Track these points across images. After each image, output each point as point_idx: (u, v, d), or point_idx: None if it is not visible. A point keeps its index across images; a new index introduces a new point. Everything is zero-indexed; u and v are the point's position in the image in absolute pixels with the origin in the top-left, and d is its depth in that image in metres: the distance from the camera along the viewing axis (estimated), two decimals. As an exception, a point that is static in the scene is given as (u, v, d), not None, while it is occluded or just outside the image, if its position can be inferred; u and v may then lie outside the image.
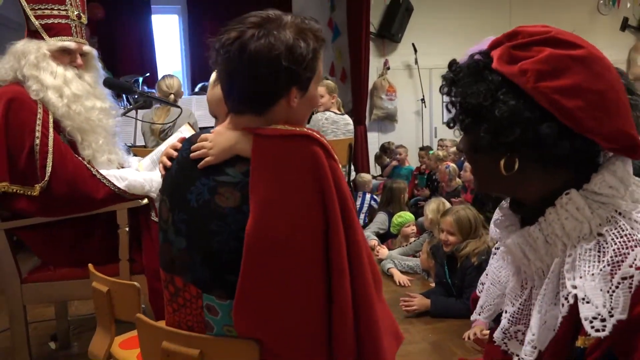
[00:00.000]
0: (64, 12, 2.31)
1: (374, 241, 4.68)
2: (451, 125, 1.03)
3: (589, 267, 0.91)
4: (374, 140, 8.14)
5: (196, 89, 6.80)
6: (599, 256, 0.91)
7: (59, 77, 2.27)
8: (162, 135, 4.09)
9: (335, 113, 4.98)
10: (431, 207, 4.15)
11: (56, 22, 2.29)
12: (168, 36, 8.14)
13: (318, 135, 1.22)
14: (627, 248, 0.88)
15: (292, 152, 1.18)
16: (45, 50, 2.27)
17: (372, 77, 8.17)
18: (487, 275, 1.22)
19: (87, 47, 2.41)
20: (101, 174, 2.26)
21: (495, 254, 1.20)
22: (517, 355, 1.06)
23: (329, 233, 1.19)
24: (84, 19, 2.41)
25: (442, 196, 5.04)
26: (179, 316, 1.34)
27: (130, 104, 4.92)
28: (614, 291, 0.86)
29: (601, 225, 0.92)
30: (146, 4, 7.53)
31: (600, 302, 0.87)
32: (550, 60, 0.91)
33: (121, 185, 2.27)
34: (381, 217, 5.07)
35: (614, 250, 0.89)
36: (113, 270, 2.30)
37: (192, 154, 1.29)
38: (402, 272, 4.00)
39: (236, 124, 1.28)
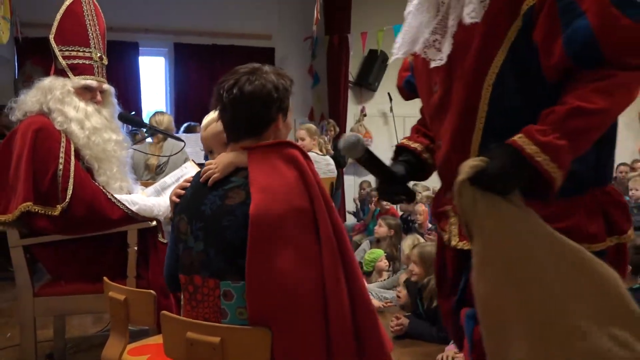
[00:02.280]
0: (88, 54, 2.62)
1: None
2: None
3: None
4: (350, 183, 8.47)
5: (182, 128, 7.04)
6: None
7: (81, 111, 2.55)
8: (158, 170, 4.32)
9: (317, 154, 5.30)
10: (407, 243, 4.44)
11: (81, 62, 2.59)
12: (154, 77, 8.44)
13: (295, 142, 1.66)
14: None
15: (278, 153, 1.59)
16: (70, 87, 2.56)
17: (350, 123, 8.58)
18: (402, 35, 1.55)
19: (106, 86, 2.70)
20: (115, 198, 2.51)
21: (410, 12, 1.54)
22: (434, 59, 1.42)
23: (315, 211, 1.54)
24: (105, 60, 2.71)
25: (419, 233, 5.35)
26: (196, 311, 1.61)
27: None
28: None
29: None
30: (134, 46, 7.85)
31: None
32: None
33: (133, 208, 2.52)
34: (364, 244, 5.36)
35: None
36: (120, 287, 2.51)
37: (202, 178, 1.64)
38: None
39: (235, 148, 1.65)
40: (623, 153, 9.62)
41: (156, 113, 4.82)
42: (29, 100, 2.54)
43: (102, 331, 3.53)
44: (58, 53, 2.58)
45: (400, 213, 6.90)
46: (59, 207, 2.40)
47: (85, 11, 2.65)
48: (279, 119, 1.64)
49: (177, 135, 4.01)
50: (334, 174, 5.33)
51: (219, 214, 1.56)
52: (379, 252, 5.04)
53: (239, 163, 1.60)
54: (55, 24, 2.60)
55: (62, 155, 2.44)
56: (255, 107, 1.58)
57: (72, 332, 3.65)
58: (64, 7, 2.63)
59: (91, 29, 2.65)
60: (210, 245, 1.57)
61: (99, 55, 2.67)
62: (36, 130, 2.44)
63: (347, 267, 1.57)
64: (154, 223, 2.59)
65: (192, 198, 1.67)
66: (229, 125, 1.65)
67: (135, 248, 2.54)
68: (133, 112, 7.23)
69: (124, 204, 2.51)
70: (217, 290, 1.56)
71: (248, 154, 1.59)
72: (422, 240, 4.48)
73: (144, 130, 3.30)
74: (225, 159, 1.63)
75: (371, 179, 8.50)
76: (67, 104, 2.53)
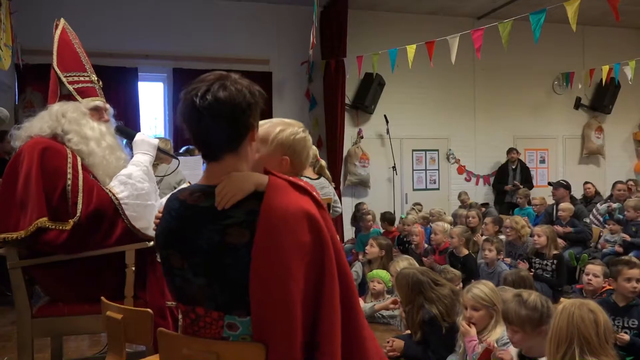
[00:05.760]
0: (87, 78, 2.74)
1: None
2: None
3: None
4: (348, 205, 8.50)
5: (180, 151, 7.09)
6: None
7: (96, 130, 2.66)
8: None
9: (310, 178, 5.28)
10: (401, 265, 4.43)
11: (85, 86, 2.69)
12: (153, 102, 8.54)
13: (309, 190, 1.55)
14: None
15: (293, 201, 1.50)
16: (83, 109, 2.66)
17: (347, 145, 8.67)
18: None
19: (107, 105, 2.79)
20: (122, 209, 2.53)
21: None
22: None
23: (324, 262, 1.48)
24: (101, 83, 2.80)
25: (415, 256, 5.37)
26: (198, 336, 1.57)
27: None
28: None
29: None
30: (134, 71, 7.96)
31: None
32: None
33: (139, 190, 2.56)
34: (356, 266, 5.36)
35: None
36: (117, 307, 2.53)
37: (221, 205, 1.49)
38: (377, 322, 4.24)
39: (218, 170, 1.54)
40: (618, 172, 9.70)
41: (156, 138, 4.87)
42: (37, 126, 2.60)
43: (100, 353, 3.53)
44: (64, 79, 2.68)
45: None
46: (71, 222, 2.44)
47: (71, 39, 2.77)
48: (254, 129, 1.56)
49: (173, 154, 4.05)
50: (330, 196, 5.34)
51: (220, 251, 1.47)
52: (383, 274, 4.98)
53: (259, 185, 1.51)
54: (54, 53, 2.71)
55: (69, 171, 2.49)
56: (235, 112, 1.48)
57: (69, 354, 3.64)
58: (56, 38, 2.73)
59: (81, 54, 2.77)
60: (213, 280, 1.49)
61: (95, 78, 2.77)
62: (43, 149, 2.50)
63: (348, 307, 1.55)
64: (152, 243, 2.61)
65: (179, 230, 1.54)
66: (205, 137, 1.52)
67: (133, 268, 2.57)
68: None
69: (126, 216, 2.55)
70: (221, 321, 1.51)
71: (270, 178, 1.52)
72: (413, 262, 4.46)
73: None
74: (243, 182, 1.51)
75: (368, 200, 8.55)
76: (83, 125, 2.62)
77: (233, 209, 1.48)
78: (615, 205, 6.79)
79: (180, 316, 1.65)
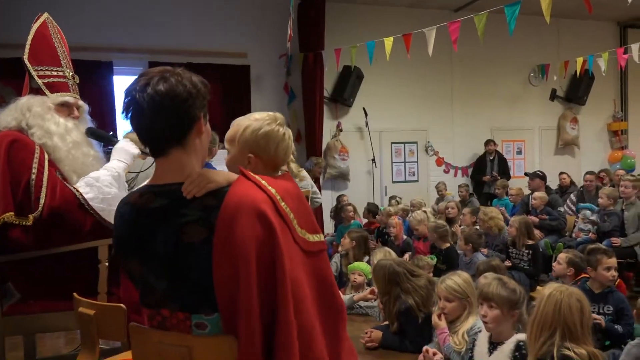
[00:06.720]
0: (61, 73, 2.71)
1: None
2: None
3: None
4: (327, 198, 8.51)
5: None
6: None
7: (61, 126, 2.62)
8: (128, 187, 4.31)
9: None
10: (378, 257, 4.45)
11: (56, 80, 2.67)
12: (129, 96, 8.44)
13: (273, 197, 1.47)
14: None
15: (249, 195, 1.46)
16: (49, 104, 2.63)
17: (326, 138, 8.66)
18: None
19: (81, 102, 2.77)
20: (88, 204, 2.50)
21: None
22: None
23: (275, 263, 1.42)
24: (77, 78, 2.77)
25: (394, 247, 5.40)
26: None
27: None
28: None
29: None
30: (109, 65, 7.84)
31: None
32: None
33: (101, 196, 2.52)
34: (335, 258, 5.39)
35: None
36: (91, 303, 2.50)
37: (192, 193, 1.45)
38: (356, 313, 4.26)
39: (166, 166, 1.52)
40: (593, 162, 9.86)
41: (128, 133, 4.82)
42: (4, 119, 2.58)
43: (75, 350, 3.49)
44: (34, 73, 2.65)
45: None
46: (30, 217, 2.41)
47: (52, 33, 2.75)
48: (200, 120, 1.52)
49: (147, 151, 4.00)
50: (308, 188, 5.36)
51: (178, 251, 1.45)
52: (364, 267, 5.00)
53: (230, 183, 1.49)
54: (28, 45, 2.68)
55: (35, 165, 2.47)
56: (175, 103, 1.45)
57: (44, 352, 3.61)
58: (33, 30, 2.71)
59: (60, 49, 2.75)
60: (175, 281, 1.48)
61: (71, 73, 2.75)
62: (10, 142, 2.48)
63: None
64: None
65: (133, 235, 1.52)
66: (149, 131, 1.50)
67: (106, 264, 2.55)
68: (111, 133, 7.22)
69: (96, 210, 2.51)
70: (188, 321, 1.49)
71: (238, 177, 1.50)
72: (392, 253, 4.49)
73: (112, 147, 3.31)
74: (217, 174, 1.50)
75: (347, 192, 8.57)
76: (47, 120, 2.59)
77: (187, 206, 1.46)
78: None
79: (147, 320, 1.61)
